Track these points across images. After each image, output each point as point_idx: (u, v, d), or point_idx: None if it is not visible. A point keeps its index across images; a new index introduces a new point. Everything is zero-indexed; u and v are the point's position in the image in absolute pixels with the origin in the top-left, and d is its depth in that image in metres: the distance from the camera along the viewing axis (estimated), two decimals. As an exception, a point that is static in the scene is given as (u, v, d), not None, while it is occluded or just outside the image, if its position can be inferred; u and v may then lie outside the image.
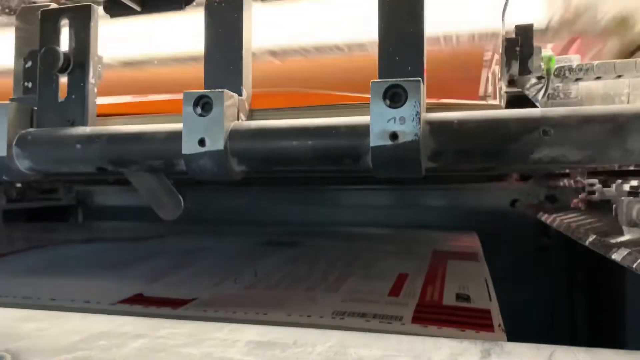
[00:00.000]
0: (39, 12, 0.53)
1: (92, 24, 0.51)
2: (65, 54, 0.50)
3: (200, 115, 0.43)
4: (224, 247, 0.92)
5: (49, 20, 0.52)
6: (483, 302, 0.54)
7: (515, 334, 0.46)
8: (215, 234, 1.16)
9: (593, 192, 0.79)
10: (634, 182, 0.65)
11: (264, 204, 1.44)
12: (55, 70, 0.50)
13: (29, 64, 0.54)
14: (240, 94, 0.46)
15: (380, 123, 0.39)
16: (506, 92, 0.54)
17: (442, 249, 0.87)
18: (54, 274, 0.72)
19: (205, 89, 0.47)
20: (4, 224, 1.39)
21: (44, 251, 0.91)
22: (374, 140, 0.39)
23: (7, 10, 0.60)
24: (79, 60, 0.51)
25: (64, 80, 0.52)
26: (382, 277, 0.65)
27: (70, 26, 0.51)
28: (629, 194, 0.65)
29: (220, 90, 0.43)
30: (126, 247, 0.94)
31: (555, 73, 0.62)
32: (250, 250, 0.90)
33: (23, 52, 0.54)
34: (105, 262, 0.81)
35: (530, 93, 0.61)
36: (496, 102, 0.53)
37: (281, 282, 0.63)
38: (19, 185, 1.36)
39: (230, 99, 0.44)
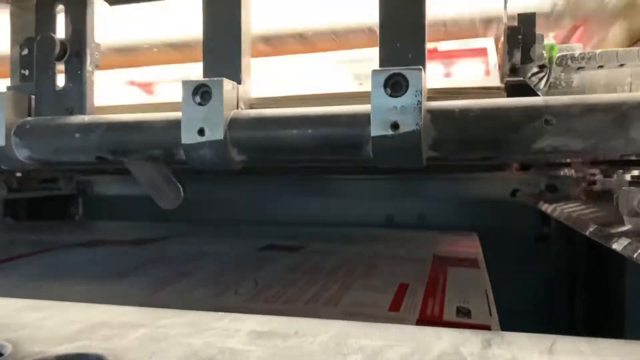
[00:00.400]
0: (35, -2, 0.52)
1: (88, 10, 0.50)
2: (61, 42, 0.49)
3: (199, 104, 0.42)
4: (224, 252, 0.91)
5: (45, 7, 0.51)
6: (483, 317, 0.54)
7: (515, 324, 0.46)
8: (215, 234, 1.15)
9: (594, 182, 0.79)
10: (636, 172, 0.65)
11: (264, 193, 1.44)
12: (52, 58, 0.50)
13: (25, 51, 0.53)
14: (239, 83, 0.46)
15: (381, 112, 0.39)
16: (508, 81, 0.54)
17: (442, 253, 0.86)
18: (54, 285, 0.71)
19: (204, 77, 0.46)
20: (3, 223, 1.38)
21: (44, 257, 0.90)
22: (375, 130, 0.39)
23: (4, -2, 0.60)
24: (76, 48, 0.51)
25: (61, 68, 0.52)
26: (382, 288, 0.64)
27: (67, 13, 0.51)
28: (631, 183, 0.64)
29: (219, 78, 0.43)
30: (127, 252, 0.93)
31: (557, 62, 0.61)
32: (250, 255, 0.89)
33: (19, 39, 0.53)
34: (107, 270, 0.80)
35: (532, 82, 0.60)
36: (498, 90, 0.53)
37: (281, 295, 0.63)
38: (19, 174, 1.36)
39: (229, 87, 0.44)
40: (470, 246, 0.95)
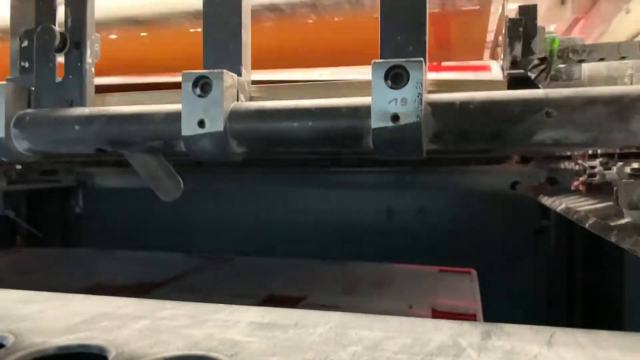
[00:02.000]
0: (35, -11, 0.52)
1: (88, 1, 0.50)
2: (61, 33, 0.49)
3: (200, 95, 0.42)
4: None
5: (45, -2, 0.51)
6: None
7: (514, 315, 0.46)
8: (216, 274, 1.11)
9: (594, 175, 0.78)
10: (636, 165, 0.65)
11: (265, 186, 1.45)
12: (52, 50, 0.49)
13: (25, 43, 0.53)
14: (239, 74, 0.46)
15: (382, 104, 0.38)
16: (509, 73, 0.54)
17: (441, 307, 0.84)
18: None
19: (204, 68, 0.46)
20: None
21: None
22: (375, 122, 0.39)
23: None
24: (76, 39, 0.50)
25: (61, 60, 0.52)
26: None
27: (67, 4, 0.51)
28: (630, 176, 0.64)
29: (219, 70, 0.42)
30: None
31: (559, 54, 0.61)
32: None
33: (19, 30, 0.53)
34: None
35: (533, 74, 0.60)
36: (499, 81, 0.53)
37: None
38: (19, 166, 1.35)
39: (229, 79, 0.43)
40: (469, 295, 0.92)
